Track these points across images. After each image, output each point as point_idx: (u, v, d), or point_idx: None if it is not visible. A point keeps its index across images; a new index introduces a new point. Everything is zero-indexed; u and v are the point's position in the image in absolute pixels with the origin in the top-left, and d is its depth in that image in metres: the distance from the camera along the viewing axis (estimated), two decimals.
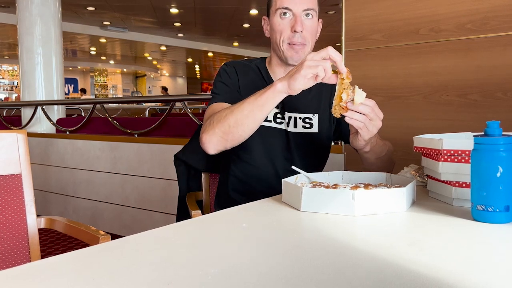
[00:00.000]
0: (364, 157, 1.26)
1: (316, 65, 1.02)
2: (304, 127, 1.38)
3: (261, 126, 1.30)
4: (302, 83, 1.04)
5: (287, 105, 1.36)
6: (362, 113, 1.06)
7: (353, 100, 1.05)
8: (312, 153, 1.40)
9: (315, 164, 1.42)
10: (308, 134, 1.38)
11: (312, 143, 1.39)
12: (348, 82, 1.06)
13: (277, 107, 1.33)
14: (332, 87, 1.39)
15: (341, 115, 1.08)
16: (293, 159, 1.35)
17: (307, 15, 1.28)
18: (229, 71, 1.37)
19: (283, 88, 1.08)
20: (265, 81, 1.37)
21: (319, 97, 1.41)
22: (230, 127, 1.14)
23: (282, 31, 1.29)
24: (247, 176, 1.37)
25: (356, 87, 1.06)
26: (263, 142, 1.34)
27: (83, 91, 14.72)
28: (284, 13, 1.27)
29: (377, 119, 1.08)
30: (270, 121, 1.34)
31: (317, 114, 1.39)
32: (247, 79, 1.36)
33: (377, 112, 1.08)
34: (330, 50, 1.03)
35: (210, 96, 1.36)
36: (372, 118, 1.07)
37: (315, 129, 1.38)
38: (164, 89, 15.12)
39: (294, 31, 1.26)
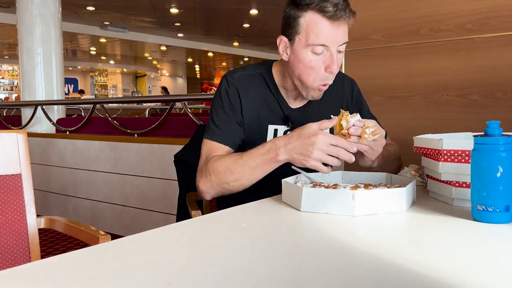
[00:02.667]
0: (372, 168, 1.20)
1: (328, 152, 0.98)
2: None
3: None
4: (309, 165, 1.01)
5: (297, 121, 1.27)
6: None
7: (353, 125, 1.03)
8: None
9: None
10: None
11: None
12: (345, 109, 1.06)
13: (287, 125, 1.27)
14: (342, 98, 1.37)
15: None
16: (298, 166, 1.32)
17: (339, 50, 1.14)
18: (230, 93, 1.24)
19: (285, 160, 1.05)
20: (273, 94, 1.27)
21: (329, 107, 1.32)
22: (230, 185, 1.13)
23: (313, 69, 1.13)
24: None
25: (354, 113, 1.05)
26: None
27: (82, 92, 14.71)
28: (318, 51, 1.11)
29: (381, 138, 1.05)
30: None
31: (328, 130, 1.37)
32: (251, 97, 1.25)
33: (380, 131, 1.05)
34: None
35: (209, 118, 1.27)
36: (377, 139, 1.04)
37: None
38: (164, 89, 15.13)
39: (330, 71, 1.13)
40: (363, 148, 1.05)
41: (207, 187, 1.17)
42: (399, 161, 1.35)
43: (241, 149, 1.22)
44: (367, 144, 1.04)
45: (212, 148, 1.21)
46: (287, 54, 1.18)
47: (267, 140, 1.26)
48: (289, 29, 1.14)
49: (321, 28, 1.09)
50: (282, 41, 1.18)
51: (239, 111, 1.24)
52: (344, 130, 1.03)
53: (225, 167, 1.12)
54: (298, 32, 1.12)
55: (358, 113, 1.04)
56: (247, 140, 1.26)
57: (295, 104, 1.29)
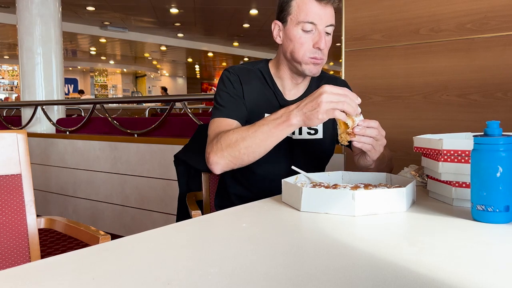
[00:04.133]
0: (367, 169, 1.25)
1: (337, 101, 1.01)
2: (309, 133, 1.36)
3: None
4: (320, 120, 1.03)
5: None
6: (369, 136, 1.07)
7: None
8: (315, 158, 1.40)
9: (318, 167, 1.42)
10: (313, 140, 1.36)
11: (316, 149, 1.37)
12: None
13: None
14: None
15: (348, 141, 1.09)
16: (296, 164, 1.34)
17: (327, 32, 1.26)
18: (233, 80, 1.31)
19: (298, 123, 1.07)
20: (270, 87, 1.34)
21: None
22: (241, 153, 1.13)
23: (303, 45, 1.24)
24: (248, 180, 1.36)
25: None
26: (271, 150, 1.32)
27: (82, 92, 14.71)
28: (308, 28, 1.23)
29: (382, 138, 1.10)
30: None
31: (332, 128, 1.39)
32: (251, 86, 1.32)
33: (381, 131, 1.10)
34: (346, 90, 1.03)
35: (214, 104, 1.32)
36: (379, 139, 1.09)
37: (319, 135, 1.37)
38: (164, 89, 15.13)
39: (317, 48, 1.23)
40: (367, 148, 1.10)
41: (218, 157, 1.16)
42: (391, 163, 1.39)
43: None
44: (369, 143, 1.08)
45: (220, 124, 1.24)
46: (280, 37, 1.31)
47: None
48: (282, 12, 1.28)
49: (310, 7, 1.23)
50: (276, 25, 1.31)
51: (241, 94, 1.31)
52: (349, 129, 1.06)
53: (237, 135, 1.14)
54: (290, 13, 1.26)
55: (361, 113, 1.06)
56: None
57: (290, 96, 1.36)
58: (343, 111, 1.02)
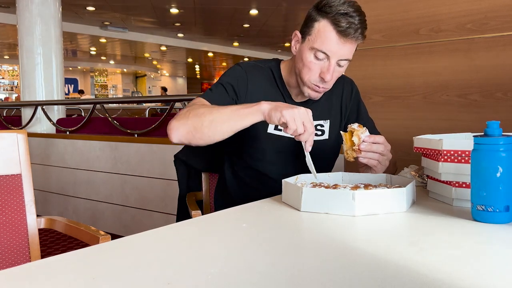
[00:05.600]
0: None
1: (299, 125, 1.03)
2: (316, 134, 1.34)
3: (273, 135, 1.30)
4: (277, 123, 1.06)
5: None
6: (376, 152, 1.09)
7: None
8: (322, 159, 1.39)
9: (325, 169, 1.41)
10: (320, 142, 1.36)
11: (323, 150, 1.36)
12: (356, 125, 1.09)
13: None
14: (341, 96, 1.42)
15: (354, 158, 1.11)
16: (303, 166, 1.33)
17: (340, 64, 1.21)
18: (239, 77, 1.29)
19: (264, 111, 1.08)
20: (278, 87, 1.33)
21: (330, 102, 1.39)
22: (203, 125, 1.10)
23: (310, 70, 1.21)
24: (253, 179, 1.36)
25: (363, 128, 1.09)
26: (274, 150, 1.32)
27: (81, 92, 14.71)
28: (320, 57, 1.19)
29: (388, 152, 1.12)
30: (281, 130, 1.30)
31: (329, 120, 1.38)
32: (258, 85, 1.31)
33: (387, 146, 1.11)
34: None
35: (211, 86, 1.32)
36: (385, 154, 1.10)
37: (326, 136, 1.37)
38: (164, 89, 15.12)
39: (322, 78, 1.20)
40: (373, 163, 1.11)
41: (180, 123, 1.13)
42: (394, 166, 1.39)
43: (241, 136, 1.23)
44: (375, 158, 1.10)
45: (199, 102, 1.22)
46: (295, 49, 1.27)
47: (269, 127, 1.31)
48: (305, 28, 1.22)
49: (329, 38, 1.16)
50: (296, 36, 1.26)
51: (240, 94, 1.28)
52: (356, 146, 1.08)
53: (206, 109, 1.12)
54: (310, 34, 1.20)
55: (366, 128, 1.09)
56: (250, 127, 1.28)
57: (297, 99, 1.35)
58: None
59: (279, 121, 1.04)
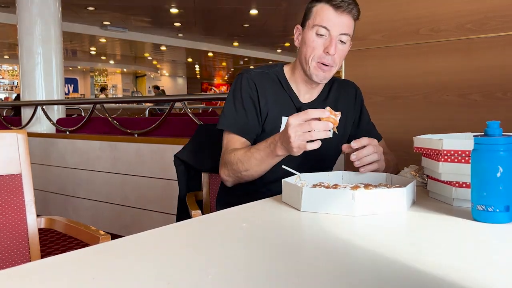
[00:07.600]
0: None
1: (303, 132, 1.04)
2: None
3: None
4: (298, 153, 1.09)
5: None
6: (370, 162, 1.12)
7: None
8: (324, 159, 1.39)
9: (327, 168, 1.41)
10: (323, 140, 1.36)
11: (326, 148, 1.37)
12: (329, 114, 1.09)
13: None
14: (346, 97, 1.45)
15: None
16: (305, 164, 1.33)
17: (342, 40, 1.27)
18: (249, 88, 1.34)
19: (283, 153, 1.15)
20: (285, 90, 1.36)
21: (335, 103, 1.41)
22: (242, 175, 1.25)
23: (314, 49, 1.27)
24: (259, 179, 1.36)
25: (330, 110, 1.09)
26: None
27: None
28: (321, 32, 1.25)
29: (381, 155, 1.15)
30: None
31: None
32: (267, 91, 1.35)
33: (377, 149, 1.13)
34: (310, 113, 1.05)
35: (226, 105, 1.34)
36: (377, 151, 1.13)
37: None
38: (156, 87, 14.87)
39: (327, 52, 1.26)
40: (373, 168, 1.14)
41: (226, 175, 1.30)
42: (396, 168, 1.41)
43: (258, 139, 1.30)
44: (373, 164, 1.14)
45: (230, 140, 1.32)
46: (298, 40, 1.35)
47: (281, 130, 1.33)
48: (304, 18, 1.32)
49: (326, 13, 1.26)
50: (298, 29, 1.35)
51: (257, 104, 1.34)
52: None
53: (236, 159, 1.25)
54: (309, 18, 1.30)
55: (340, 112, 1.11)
56: (263, 131, 1.35)
57: (305, 99, 1.39)
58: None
59: (297, 151, 1.08)
